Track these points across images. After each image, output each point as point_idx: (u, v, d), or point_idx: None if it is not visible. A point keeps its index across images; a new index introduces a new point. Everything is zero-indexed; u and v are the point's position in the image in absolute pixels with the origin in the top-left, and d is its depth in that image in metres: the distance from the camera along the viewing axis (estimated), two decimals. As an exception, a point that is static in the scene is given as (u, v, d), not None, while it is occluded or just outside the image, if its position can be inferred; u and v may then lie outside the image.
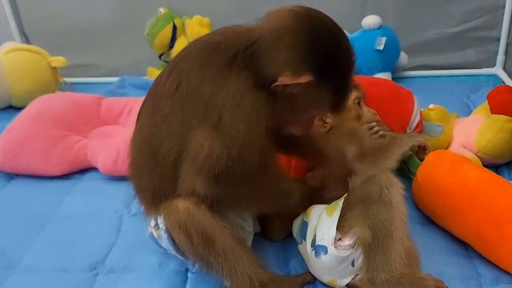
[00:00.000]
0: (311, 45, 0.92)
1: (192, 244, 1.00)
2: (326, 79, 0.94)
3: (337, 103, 1.00)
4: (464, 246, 1.20)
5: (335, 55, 0.94)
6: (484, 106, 1.53)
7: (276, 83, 0.92)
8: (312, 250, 1.07)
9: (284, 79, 0.91)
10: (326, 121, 1.25)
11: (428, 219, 1.28)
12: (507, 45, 2.13)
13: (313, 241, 1.07)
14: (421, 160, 1.31)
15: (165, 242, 1.11)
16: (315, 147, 1.20)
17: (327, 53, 0.93)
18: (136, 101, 1.79)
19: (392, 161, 1.22)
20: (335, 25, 0.97)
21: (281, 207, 1.11)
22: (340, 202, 1.06)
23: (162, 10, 2.23)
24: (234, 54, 0.94)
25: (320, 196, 1.17)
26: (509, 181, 1.20)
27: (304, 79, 0.91)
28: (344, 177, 1.16)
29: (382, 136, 1.32)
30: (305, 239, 1.12)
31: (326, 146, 1.21)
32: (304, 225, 1.13)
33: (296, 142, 1.16)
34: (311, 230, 1.10)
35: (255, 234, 1.21)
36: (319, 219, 1.09)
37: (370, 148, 1.25)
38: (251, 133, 0.92)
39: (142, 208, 1.11)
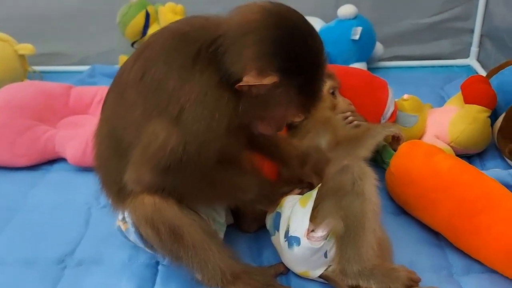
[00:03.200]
0: (278, 42, 0.87)
1: (160, 239, 0.99)
2: (293, 79, 0.90)
3: (306, 104, 0.96)
4: (436, 236, 1.21)
5: (303, 54, 0.90)
6: (458, 96, 1.54)
7: (240, 83, 0.88)
8: (285, 241, 1.06)
9: (248, 79, 0.87)
10: (300, 110, 1.23)
11: (400, 209, 1.29)
12: (481, 36, 2.14)
13: (286, 232, 1.06)
14: (395, 150, 1.32)
15: (132, 236, 1.09)
16: (279, 147, 1.17)
17: (294, 52, 0.88)
18: (106, 90, 1.74)
19: (365, 151, 1.22)
20: (306, 23, 0.92)
21: (234, 202, 1.09)
22: (314, 193, 1.05)
23: (134, -3, 2.18)
24: (198, 49, 0.90)
25: (283, 193, 1.14)
26: (481, 171, 1.21)
27: (269, 80, 0.87)
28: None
29: (357, 126, 1.31)
30: (278, 230, 1.11)
31: (289, 147, 1.18)
32: (278, 216, 1.12)
33: (261, 141, 1.14)
34: (284, 221, 1.09)
35: (228, 225, 1.20)
36: (293, 210, 1.08)
37: (344, 138, 1.24)
38: (211, 130, 0.89)
39: (109, 201, 1.08)
